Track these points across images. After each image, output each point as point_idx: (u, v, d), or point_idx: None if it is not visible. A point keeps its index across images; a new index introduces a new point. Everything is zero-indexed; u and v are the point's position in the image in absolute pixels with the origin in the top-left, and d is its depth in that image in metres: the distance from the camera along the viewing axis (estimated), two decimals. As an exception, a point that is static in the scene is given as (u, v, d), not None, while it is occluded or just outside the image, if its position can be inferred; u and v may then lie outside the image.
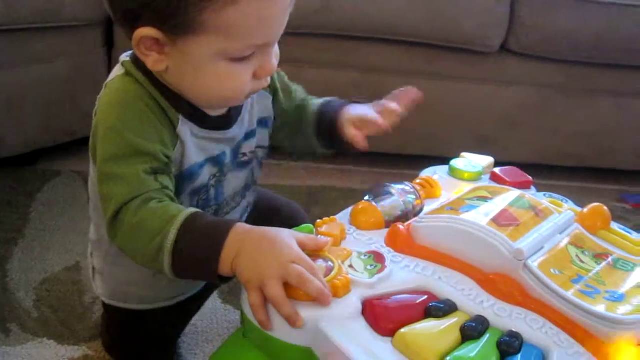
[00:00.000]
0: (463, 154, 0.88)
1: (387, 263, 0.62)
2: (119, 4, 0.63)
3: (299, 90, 0.85)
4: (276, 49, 0.68)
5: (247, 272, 0.57)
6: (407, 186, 0.74)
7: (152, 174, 0.64)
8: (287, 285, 0.55)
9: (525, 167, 0.88)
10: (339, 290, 0.56)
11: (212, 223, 0.61)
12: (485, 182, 0.82)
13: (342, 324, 0.54)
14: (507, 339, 0.54)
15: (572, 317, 0.56)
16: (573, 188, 1.52)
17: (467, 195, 0.70)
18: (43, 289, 1.01)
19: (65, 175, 1.35)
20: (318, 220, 0.67)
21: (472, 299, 0.59)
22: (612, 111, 1.56)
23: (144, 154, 0.64)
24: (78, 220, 1.19)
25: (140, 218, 0.62)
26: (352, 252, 0.63)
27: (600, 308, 0.55)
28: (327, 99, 0.84)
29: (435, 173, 0.83)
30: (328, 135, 0.81)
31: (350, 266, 0.61)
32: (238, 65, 0.64)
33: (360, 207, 0.70)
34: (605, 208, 0.73)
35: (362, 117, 0.78)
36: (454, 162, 0.84)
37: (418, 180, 0.79)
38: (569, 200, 0.79)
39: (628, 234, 0.72)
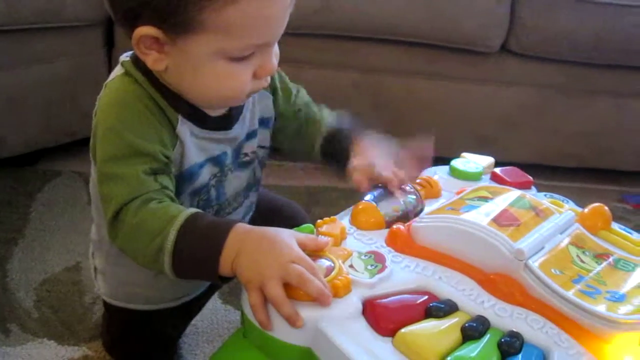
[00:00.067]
0: (463, 154, 0.88)
1: (388, 263, 0.61)
2: (119, 3, 0.63)
3: (301, 93, 0.84)
4: (276, 49, 0.67)
5: (247, 272, 0.57)
6: (407, 186, 0.74)
7: (151, 175, 0.64)
8: (287, 285, 0.55)
9: (525, 167, 0.88)
10: (340, 290, 0.56)
11: (212, 223, 0.61)
12: (486, 182, 0.82)
13: (342, 324, 0.54)
14: (508, 339, 0.54)
15: (572, 317, 0.56)
16: (573, 189, 1.52)
17: (467, 195, 0.70)
18: (43, 289, 1.01)
19: (66, 176, 1.35)
20: (318, 220, 0.67)
21: (472, 299, 0.59)
22: (612, 111, 1.56)
23: (144, 154, 0.64)
24: (78, 220, 1.19)
25: (140, 219, 0.62)
26: (353, 252, 0.63)
27: (601, 308, 0.55)
28: (339, 115, 0.82)
29: (435, 173, 0.83)
30: (334, 160, 0.79)
31: (351, 266, 0.61)
32: (237, 64, 0.64)
33: (360, 207, 0.70)
34: (606, 208, 0.73)
35: (377, 175, 0.73)
36: (455, 162, 0.84)
37: (418, 180, 0.79)
38: (569, 201, 0.79)
39: (629, 234, 0.72)
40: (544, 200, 0.72)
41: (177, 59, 0.64)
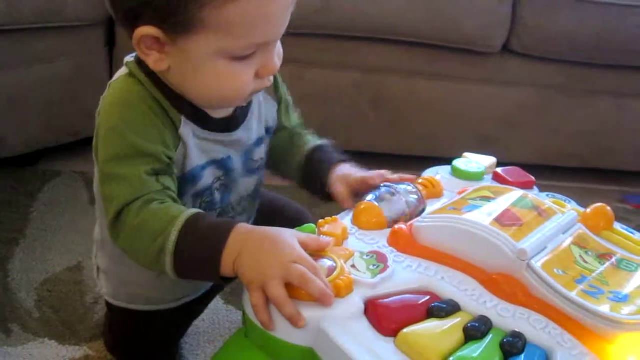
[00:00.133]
0: (465, 154, 0.88)
1: (390, 263, 0.61)
2: (121, 3, 0.63)
3: (297, 113, 0.84)
4: (279, 49, 0.67)
5: (249, 272, 0.57)
6: (409, 186, 0.74)
7: (153, 175, 0.64)
8: (289, 286, 0.55)
9: (526, 167, 0.87)
10: (342, 290, 0.56)
11: (214, 224, 0.61)
12: (488, 182, 0.82)
13: (344, 324, 0.54)
14: (511, 339, 0.54)
15: (575, 317, 0.56)
16: (575, 189, 1.51)
17: (469, 195, 0.70)
18: (44, 289, 1.01)
19: (66, 176, 1.35)
20: (320, 220, 0.67)
21: (475, 299, 0.59)
22: (612, 112, 1.56)
23: (146, 154, 0.64)
24: (79, 220, 1.19)
25: (142, 219, 0.62)
26: (355, 252, 0.63)
27: (604, 308, 0.55)
28: (320, 143, 0.82)
29: (437, 173, 0.83)
30: (312, 184, 0.79)
31: (353, 266, 0.61)
32: (239, 64, 0.63)
33: (362, 207, 0.70)
34: (609, 208, 0.73)
35: (356, 180, 0.74)
36: (457, 162, 0.84)
37: (420, 181, 0.79)
38: (572, 201, 0.79)
39: (631, 235, 0.72)
40: (546, 200, 0.72)
41: (178, 59, 0.64)
